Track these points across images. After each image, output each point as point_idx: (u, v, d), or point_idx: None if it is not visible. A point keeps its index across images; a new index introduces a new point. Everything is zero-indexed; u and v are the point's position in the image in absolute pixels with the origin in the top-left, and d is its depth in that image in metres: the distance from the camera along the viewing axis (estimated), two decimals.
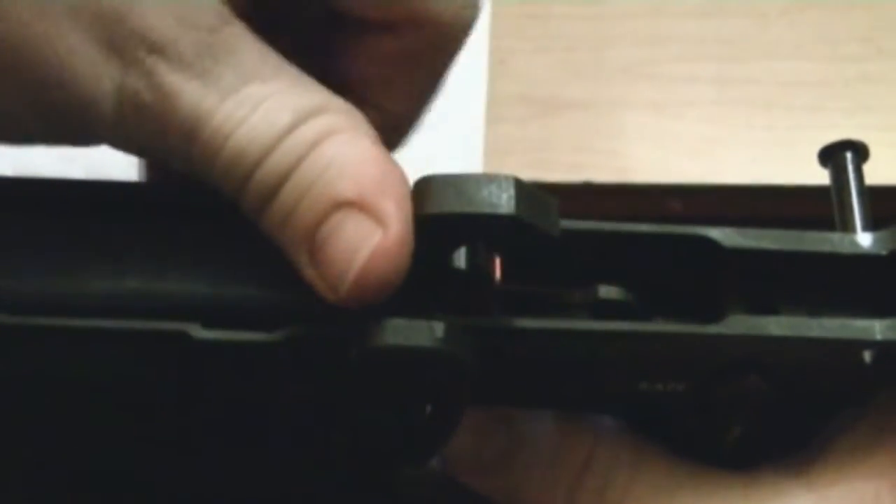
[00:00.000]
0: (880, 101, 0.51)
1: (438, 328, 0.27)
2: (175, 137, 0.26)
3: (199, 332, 0.27)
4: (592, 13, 0.53)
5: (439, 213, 0.26)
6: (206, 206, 0.28)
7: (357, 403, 0.30)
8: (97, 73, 0.26)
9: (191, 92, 0.26)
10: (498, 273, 0.29)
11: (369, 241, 0.26)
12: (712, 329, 0.28)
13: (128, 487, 0.34)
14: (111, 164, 0.32)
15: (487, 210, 0.26)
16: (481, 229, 0.27)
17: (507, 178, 0.27)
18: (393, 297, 0.27)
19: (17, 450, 0.33)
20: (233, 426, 0.32)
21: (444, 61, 0.30)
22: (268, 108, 0.26)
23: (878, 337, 0.29)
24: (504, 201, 0.26)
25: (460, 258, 0.28)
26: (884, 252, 0.30)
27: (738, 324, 0.28)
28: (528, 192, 0.27)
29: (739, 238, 0.29)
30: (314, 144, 0.26)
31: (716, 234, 0.29)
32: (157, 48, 0.26)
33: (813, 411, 0.31)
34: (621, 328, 0.28)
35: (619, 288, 0.30)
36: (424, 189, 0.27)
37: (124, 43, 0.26)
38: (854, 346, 0.29)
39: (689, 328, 0.29)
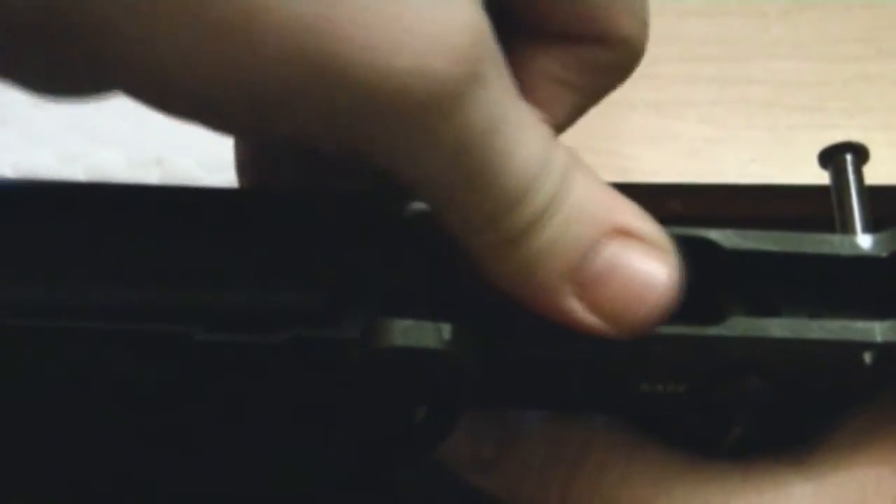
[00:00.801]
0: (880, 101, 0.51)
1: (446, 329, 0.27)
2: (469, 135, 0.24)
3: (200, 333, 0.27)
4: None
5: None
6: (207, 207, 0.28)
7: (357, 403, 0.30)
8: None
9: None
10: None
11: (660, 271, 0.26)
12: (713, 330, 0.28)
13: (128, 488, 0.34)
14: (111, 165, 0.32)
15: None
16: None
17: None
18: (396, 298, 0.27)
19: (18, 450, 0.33)
20: (234, 427, 0.32)
21: (622, 77, 0.31)
22: (534, 122, 0.25)
23: (879, 338, 0.29)
24: None
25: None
26: (884, 254, 0.30)
27: (739, 325, 0.28)
28: None
29: (740, 239, 0.29)
30: (570, 171, 0.26)
31: (716, 235, 0.30)
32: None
33: (813, 412, 0.31)
34: None
35: None
36: None
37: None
38: (854, 348, 0.29)
39: (690, 330, 0.29)
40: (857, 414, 0.31)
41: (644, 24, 0.30)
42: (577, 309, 0.26)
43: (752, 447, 0.32)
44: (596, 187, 0.26)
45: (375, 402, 0.30)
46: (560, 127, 0.31)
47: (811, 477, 0.31)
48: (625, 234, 0.26)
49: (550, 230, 0.25)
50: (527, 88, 0.30)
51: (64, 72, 0.24)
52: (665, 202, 0.48)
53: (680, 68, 0.51)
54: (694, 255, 0.30)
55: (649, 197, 0.48)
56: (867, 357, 0.29)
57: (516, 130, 0.24)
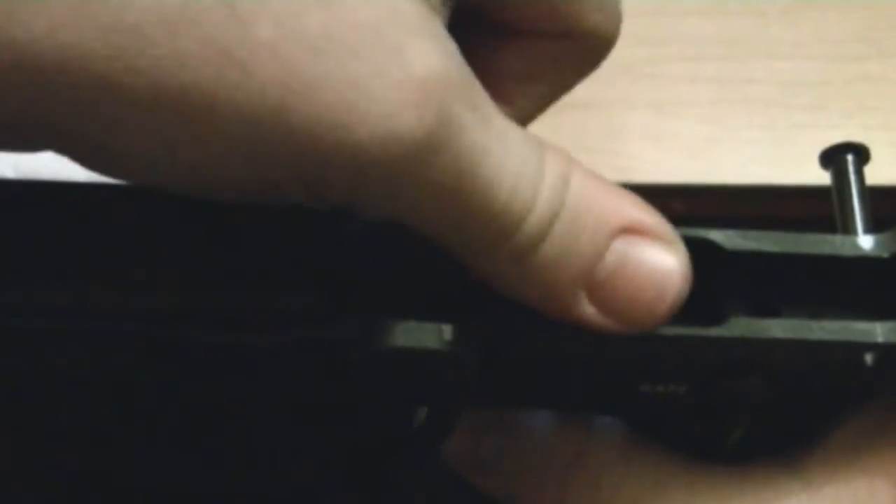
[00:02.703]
0: (880, 100, 0.50)
1: (447, 330, 0.27)
2: (453, 177, 0.24)
3: (201, 334, 0.27)
4: None
5: None
6: (207, 207, 0.28)
7: (357, 404, 0.30)
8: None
9: (471, 127, 0.24)
10: None
11: (670, 262, 0.26)
12: (713, 331, 0.28)
13: (128, 488, 0.34)
14: None
15: None
16: None
17: None
18: (399, 298, 0.27)
19: (18, 450, 0.33)
20: (233, 427, 0.32)
21: (591, 68, 0.30)
22: (517, 138, 0.25)
23: (880, 339, 0.29)
24: None
25: None
26: (885, 254, 0.30)
27: (740, 326, 0.28)
28: None
29: (741, 240, 0.29)
30: (566, 177, 0.25)
31: (717, 236, 0.29)
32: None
33: (813, 413, 0.31)
34: None
35: None
36: None
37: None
38: (855, 349, 0.29)
39: (690, 330, 0.29)
40: (851, 419, 0.32)
41: (614, 14, 0.29)
42: (593, 314, 0.26)
43: (752, 448, 0.32)
44: (595, 186, 0.26)
45: (376, 403, 0.30)
46: (527, 118, 0.31)
47: (807, 484, 0.31)
48: (630, 230, 0.26)
49: (557, 242, 0.25)
50: (491, 84, 0.30)
51: None
52: (665, 202, 0.48)
53: (680, 68, 0.51)
54: (694, 255, 0.30)
55: (649, 197, 0.48)
56: (868, 358, 0.29)
57: (500, 155, 0.24)
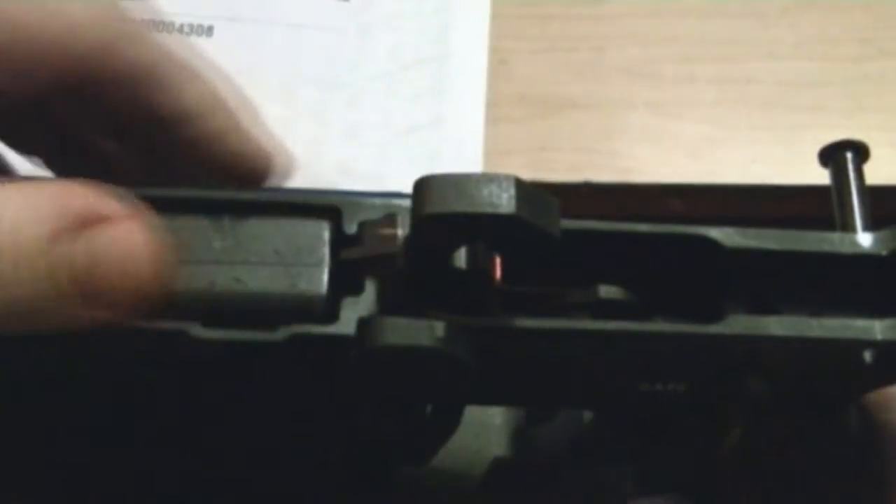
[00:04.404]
0: (880, 101, 0.50)
1: (439, 328, 0.27)
2: None
3: (198, 331, 0.27)
4: (592, 13, 0.52)
5: (440, 213, 0.26)
6: (206, 206, 0.28)
7: (357, 403, 0.30)
8: None
9: None
10: (498, 273, 0.29)
11: (133, 241, 0.25)
12: (713, 329, 0.28)
13: (128, 487, 0.34)
14: None
15: (488, 210, 0.26)
16: (482, 229, 0.27)
17: (507, 177, 0.27)
18: (394, 296, 0.27)
19: (18, 450, 0.33)
20: (232, 426, 0.32)
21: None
22: None
23: (879, 337, 0.29)
24: (504, 201, 0.26)
25: (460, 258, 0.28)
26: (884, 252, 0.30)
27: (739, 324, 0.28)
28: (529, 191, 0.27)
29: (740, 238, 0.29)
30: None
31: (716, 234, 0.30)
32: None
33: (813, 411, 0.31)
34: (622, 328, 0.28)
35: (619, 288, 0.30)
36: (425, 189, 0.27)
37: None
38: (854, 346, 0.29)
39: (690, 328, 0.29)
40: None
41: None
42: (88, 313, 0.25)
43: (752, 449, 0.32)
44: (27, 209, 0.25)
45: (376, 402, 0.30)
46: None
47: None
48: (86, 224, 0.25)
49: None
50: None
51: None
52: (666, 202, 0.48)
53: (680, 68, 0.51)
54: (694, 253, 0.30)
55: (649, 197, 0.48)
56: (867, 355, 0.29)
57: None
